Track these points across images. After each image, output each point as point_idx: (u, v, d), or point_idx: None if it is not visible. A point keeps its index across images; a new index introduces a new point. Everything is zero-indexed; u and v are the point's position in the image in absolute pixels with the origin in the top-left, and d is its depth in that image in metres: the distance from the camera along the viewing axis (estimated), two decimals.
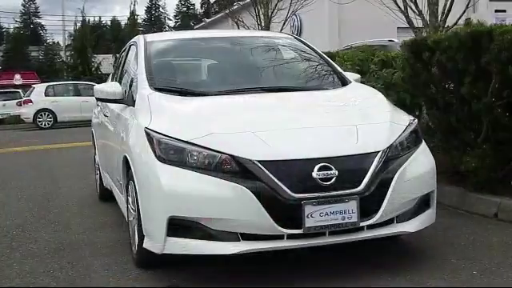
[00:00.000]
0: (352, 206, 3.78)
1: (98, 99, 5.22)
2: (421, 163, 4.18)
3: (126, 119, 4.77)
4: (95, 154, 7.36)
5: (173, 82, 4.92)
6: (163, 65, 5.13)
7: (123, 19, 75.11)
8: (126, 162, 4.60)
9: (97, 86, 5.18)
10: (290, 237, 3.76)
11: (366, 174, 3.85)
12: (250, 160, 3.74)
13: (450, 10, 7.96)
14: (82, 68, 39.79)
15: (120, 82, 5.85)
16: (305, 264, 4.28)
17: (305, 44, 5.65)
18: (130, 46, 6.05)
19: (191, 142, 3.88)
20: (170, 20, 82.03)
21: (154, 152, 3.96)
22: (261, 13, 15.08)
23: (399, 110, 4.58)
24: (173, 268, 4.31)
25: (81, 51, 40.31)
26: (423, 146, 4.33)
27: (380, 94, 4.84)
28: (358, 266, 4.20)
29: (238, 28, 15.79)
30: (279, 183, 3.69)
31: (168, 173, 3.85)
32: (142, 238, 4.14)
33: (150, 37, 5.58)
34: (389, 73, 7.99)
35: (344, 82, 5.07)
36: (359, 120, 4.21)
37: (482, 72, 5.66)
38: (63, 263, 4.68)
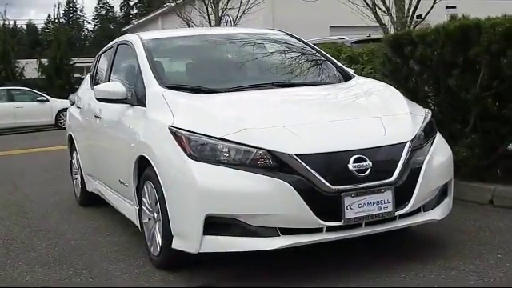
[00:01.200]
0: (387, 196, 3.83)
1: (98, 100, 5.05)
2: (441, 152, 4.28)
3: (137, 119, 4.65)
4: (72, 158, 7.14)
5: (181, 79, 4.85)
6: (167, 63, 5.04)
7: (39, 23, 73.23)
8: (138, 163, 4.50)
9: (97, 87, 5.04)
10: (329, 229, 3.78)
11: (397, 164, 3.91)
12: (288, 154, 3.72)
13: (417, 7, 8.16)
14: (6, 73, 38.51)
15: None
16: (336, 256, 4.29)
17: (299, 40, 5.68)
18: (119, 45, 5.91)
19: (225, 138, 3.83)
20: (89, 23, 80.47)
21: (185, 150, 3.88)
22: (210, 11, 15.00)
23: (412, 102, 4.66)
24: (196, 268, 4.24)
25: (3, 56, 38.98)
26: (439, 135, 4.43)
27: (390, 86, 4.92)
28: (387, 257, 4.25)
29: (189, 26, 15.68)
30: (318, 176, 3.70)
31: (203, 170, 3.79)
32: (168, 238, 4.05)
33: (146, 35, 5.47)
34: (357, 68, 8.16)
35: (348, 76, 5.12)
36: (381, 112, 4.27)
37: (469, 64, 5.85)
38: (78, 269, 4.53)
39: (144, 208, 4.54)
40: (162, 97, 4.43)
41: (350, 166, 3.77)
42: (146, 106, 4.59)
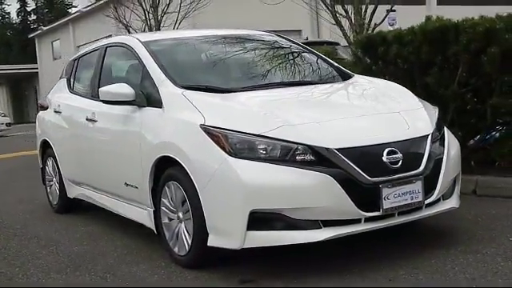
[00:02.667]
0: (418, 186, 4.04)
1: (104, 102, 4.99)
2: (452, 144, 4.53)
3: (152, 120, 4.63)
4: (45, 165, 6.95)
5: (193, 79, 4.85)
6: (175, 63, 5.03)
7: None
8: (156, 164, 4.50)
9: (103, 88, 4.97)
10: (367, 220, 3.94)
11: (423, 155, 4.13)
12: (328, 148, 3.86)
13: (375, 10, 8.49)
14: None
15: (97, 90, 5.63)
16: (360, 248, 4.44)
17: (291, 40, 5.82)
18: (107, 48, 5.84)
19: (264, 135, 3.91)
20: None
21: (223, 148, 3.93)
22: (150, 16, 14.91)
23: (420, 98, 4.90)
24: (227, 265, 4.29)
25: None
26: (446, 129, 4.68)
27: (394, 83, 5.13)
28: (412, 246, 4.44)
29: (129, 32, 15.46)
30: (357, 169, 3.85)
31: (245, 167, 3.85)
32: (201, 237, 4.09)
33: (144, 37, 5.44)
34: None
35: (347, 75, 5.31)
36: (398, 107, 4.48)
37: (447, 62, 6.19)
38: (99, 273, 4.47)
39: (164, 209, 4.54)
40: (183, 97, 4.45)
41: (384, 158, 3.95)
42: (161, 107, 4.59)
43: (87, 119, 5.67)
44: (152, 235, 4.89)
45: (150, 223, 4.81)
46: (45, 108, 6.99)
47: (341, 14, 8.83)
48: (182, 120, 4.32)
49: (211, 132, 4.03)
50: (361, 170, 3.86)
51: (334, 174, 3.81)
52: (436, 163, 4.20)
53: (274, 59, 5.31)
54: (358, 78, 5.23)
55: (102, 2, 39.62)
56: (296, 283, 3.90)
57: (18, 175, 10.54)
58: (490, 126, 6.28)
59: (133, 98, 4.84)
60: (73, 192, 6.37)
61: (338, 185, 3.80)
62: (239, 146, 3.92)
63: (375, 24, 8.70)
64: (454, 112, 6.22)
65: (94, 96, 5.77)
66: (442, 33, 6.09)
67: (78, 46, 41.85)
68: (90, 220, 6.18)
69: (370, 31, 8.64)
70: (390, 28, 10.68)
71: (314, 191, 3.81)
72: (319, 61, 5.48)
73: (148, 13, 14.96)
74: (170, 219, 4.50)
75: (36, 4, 68.14)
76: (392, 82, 5.11)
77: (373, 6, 8.56)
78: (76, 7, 64.05)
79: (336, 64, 5.54)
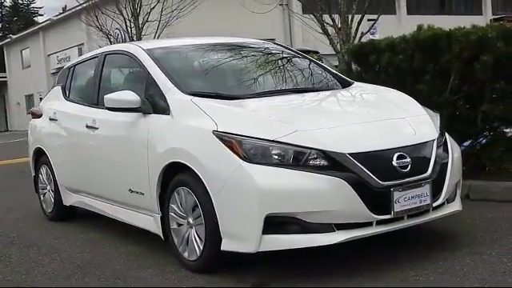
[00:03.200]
0: (426, 189, 4.15)
1: (109, 109, 5.02)
2: (455, 149, 4.67)
3: (159, 127, 4.67)
4: (39, 173, 6.92)
5: (199, 86, 4.90)
6: (180, 71, 5.08)
7: None
8: (164, 171, 4.54)
9: (109, 95, 4.99)
10: (379, 223, 4.03)
11: (430, 160, 4.25)
12: (342, 153, 3.95)
13: (362, 19, 8.65)
14: None
15: (99, 96, 5.69)
16: (367, 251, 4.52)
17: (289, 49, 5.92)
18: (106, 55, 5.86)
19: (278, 140, 3.98)
20: None
21: (237, 153, 4.00)
22: (131, 24, 14.92)
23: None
24: (240, 269, 4.35)
25: None
26: (447, 135, 4.81)
27: (395, 90, 5.25)
28: (419, 248, 4.54)
29: (111, 42, 15.41)
30: (369, 173, 3.95)
31: (260, 172, 3.92)
32: (214, 241, 4.14)
33: (146, 44, 5.48)
34: None
35: (347, 82, 5.42)
36: (403, 113, 4.60)
37: (439, 70, 6.34)
38: (109, 279, 4.49)
39: (172, 214, 4.58)
40: (192, 104, 4.50)
41: (394, 162, 4.05)
42: (169, 114, 4.63)
43: (87, 126, 5.68)
44: (154, 241, 4.95)
45: (156, 229, 4.84)
46: (38, 116, 6.96)
47: (328, 23, 8.97)
48: (193, 126, 4.37)
49: (224, 138, 4.08)
50: (372, 174, 3.95)
51: (347, 178, 3.89)
52: (442, 167, 4.32)
53: (277, 67, 5.39)
54: (359, 85, 5.34)
55: (73, 10, 39.52)
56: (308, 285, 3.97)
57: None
58: (479, 131, 6.44)
59: (138, 105, 4.88)
60: (69, 200, 6.36)
61: (351, 188, 3.89)
62: (253, 152, 3.98)
63: (362, 33, 8.87)
64: (446, 118, 6.36)
65: (94, 103, 5.80)
66: (435, 41, 6.24)
67: (49, 55, 41.60)
68: (88, 227, 6.18)
69: (356, 40, 8.80)
70: (371, 37, 10.82)
71: (328, 195, 3.89)
72: (319, 68, 5.58)
73: (130, 21, 14.97)
74: (179, 225, 4.54)
75: (1, 12, 67.36)
76: (394, 90, 5.22)
77: (359, 16, 8.71)
78: (42, 15, 63.52)
79: (334, 71, 5.65)
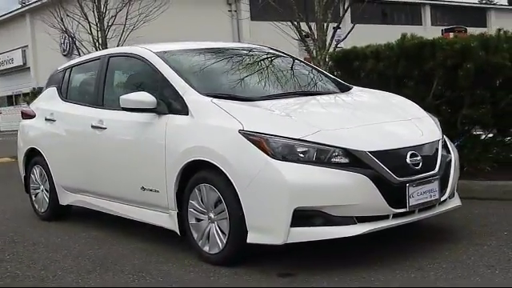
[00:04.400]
0: (435, 185, 4.52)
1: (124, 109, 5.18)
2: (453, 149, 5.05)
3: (177, 127, 4.86)
4: (31, 173, 6.97)
5: (214, 88, 5.12)
6: (193, 73, 5.28)
7: None
8: (184, 169, 4.75)
9: (125, 96, 5.14)
10: (394, 216, 4.36)
11: (437, 158, 4.62)
12: (362, 151, 4.26)
13: (338, 26, 9.03)
14: None
15: (104, 97, 5.84)
16: (378, 245, 4.83)
17: (288, 55, 6.20)
18: (109, 57, 6.00)
19: (303, 139, 4.27)
20: None
21: (265, 151, 4.25)
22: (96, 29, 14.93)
23: None
24: (262, 261, 4.59)
25: None
26: (444, 135, 5.19)
27: (393, 94, 5.60)
28: (415, 244, 4.85)
29: (76, 47, 15.31)
30: (387, 170, 4.28)
31: (288, 168, 4.19)
32: (239, 234, 4.38)
33: (155, 47, 5.64)
34: None
35: (347, 86, 5.74)
36: (407, 115, 4.95)
37: (423, 76, 6.76)
38: (132, 272, 4.64)
39: (191, 210, 4.78)
40: (213, 105, 4.73)
41: (408, 160, 4.40)
42: (188, 114, 4.84)
43: (93, 126, 5.80)
44: (162, 238, 5.19)
45: (171, 225, 5.02)
46: (30, 116, 7.02)
47: (303, 31, 9.33)
48: (217, 126, 4.59)
49: (251, 137, 4.33)
50: (390, 171, 4.28)
51: (368, 174, 4.21)
52: (446, 165, 4.70)
53: (282, 71, 5.67)
54: (358, 89, 5.67)
55: (15, 12, 38.79)
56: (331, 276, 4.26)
57: None
58: (459, 134, 6.89)
59: (154, 106, 5.06)
60: (67, 199, 6.46)
61: (373, 184, 4.20)
62: (281, 150, 4.25)
63: (337, 40, 9.27)
64: None
65: (98, 104, 5.93)
66: (420, 49, 6.65)
67: None
68: (89, 226, 6.27)
69: (332, 47, 9.20)
70: (340, 44, 11.20)
71: (351, 190, 4.20)
72: (318, 73, 5.89)
73: (96, 25, 14.99)
74: (198, 220, 4.75)
75: None
76: (396, 94, 5.56)
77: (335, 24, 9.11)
78: None
79: (332, 76, 5.97)
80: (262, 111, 4.68)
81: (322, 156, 4.25)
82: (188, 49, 5.84)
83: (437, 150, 4.67)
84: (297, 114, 4.66)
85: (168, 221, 5.07)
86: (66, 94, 6.64)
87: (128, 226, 5.86)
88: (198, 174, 4.71)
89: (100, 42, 14.83)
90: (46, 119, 6.65)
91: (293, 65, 5.89)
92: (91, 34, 14.85)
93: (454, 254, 4.54)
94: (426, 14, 42.53)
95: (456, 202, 4.92)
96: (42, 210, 6.84)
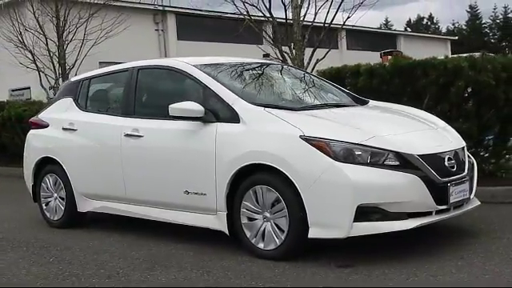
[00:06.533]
0: (466, 185, 5.15)
1: (174, 117, 5.50)
2: (469, 154, 5.70)
3: (228, 135, 5.25)
4: (41, 182, 7.06)
5: (258, 98, 5.54)
6: (234, 84, 5.70)
7: None
8: (236, 174, 5.15)
9: (174, 105, 5.43)
10: (437, 212, 4.94)
11: (465, 161, 5.26)
12: (412, 154, 4.82)
13: (318, 46, 9.65)
14: None
15: (135, 107, 6.14)
16: (397, 242, 5.28)
17: (304, 71, 6.73)
18: (139, 70, 6.27)
19: (361, 143, 4.78)
20: None
21: (328, 154, 4.73)
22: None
23: None
24: (312, 255, 5.02)
25: None
26: None
27: (405, 106, 6.20)
28: (433, 244, 5.27)
29: (34, 57, 15.06)
30: (432, 171, 4.85)
31: (351, 170, 4.69)
32: (298, 231, 4.83)
33: (191, 60, 5.99)
34: None
35: (363, 99, 6.30)
36: (434, 125, 5.57)
37: (414, 93, 7.44)
38: (198, 268, 4.93)
39: (244, 210, 5.17)
40: (267, 113, 5.16)
41: (446, 163, 5.00)
42: (239, 122, 5.23)
43: (126, 135, 6.06)
44: (200, 237, 5.55)
45: (218, 226, 5.38)
46: (42, 126, 7.14)
47: (284, 51, 9.91)
48: (275, 132, 5.01)
49: (313, 141, 4.80)
50: (435, 172, 4.86)
51: (418, 175, 4.77)
52: (471, 167, 5.35)
53: (308, 85, 6.18)
54: (376, 103, 6.24)
55: None
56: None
57: None
58: None
59: (202, 115, 5.43)
60: (86, 206, 6.64)
61: (424, 184, 4.76)
62: (342, 153, 4.75)
63: (317, 60, 9.89)
64: None
65: (129, 113, 6.18)
66: (413, 68, 7.33)
67: None
68: (108, 232, 6.49)
69: (310, 67, 9.82)
70: None
71: (406, 188, 4.75)
72: (335, 87, 6.44)
73: (54, 42, 14.95)
74: (251, 219, 5.14)
75: None
76: (411, 107, 6.16)
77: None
78: None
79: (349, 91, 6.54)
80: (316, 119, 5.15)
81: (376, 158, 4.77)
82: (220, 63, 6.22)
83: (464, 154, 5.31)
84: (348, 122, 5.17)
85: (215, 222, 5.41)
86: (85, 104, 6.83)
87: (142, 229, 6.12)
88: (251, 177, 5.10)
89: (57, 55, 14.79)
90: (64, 129, 6.79)
91: (314, 80, 6.41)
92: (48, 49, 14.79)
93: (478, 247, 5.08)
94: (343, 40, 44.11)
95: (476, 201, 5.55)
96: (56, 218, 6.95)
